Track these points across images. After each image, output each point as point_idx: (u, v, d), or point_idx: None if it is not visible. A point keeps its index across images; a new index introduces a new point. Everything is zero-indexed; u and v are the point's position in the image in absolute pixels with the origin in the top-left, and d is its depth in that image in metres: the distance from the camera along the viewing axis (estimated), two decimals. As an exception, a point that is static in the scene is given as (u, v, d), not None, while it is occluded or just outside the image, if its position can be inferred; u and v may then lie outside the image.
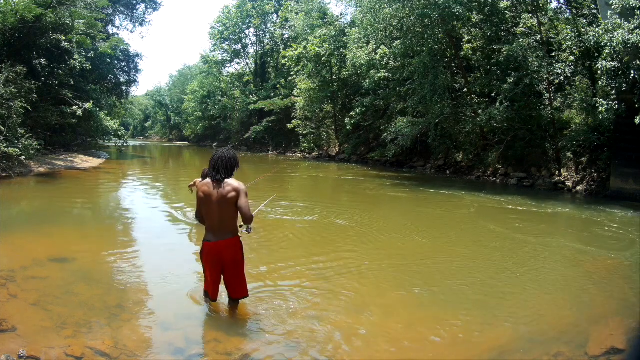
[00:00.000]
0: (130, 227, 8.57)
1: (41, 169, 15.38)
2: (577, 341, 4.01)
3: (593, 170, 15.16)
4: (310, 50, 28.64)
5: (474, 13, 17.81)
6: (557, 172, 16.22)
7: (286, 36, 40.60)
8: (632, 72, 11.79)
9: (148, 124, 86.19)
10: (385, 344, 3.80)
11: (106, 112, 26.14)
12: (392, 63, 22.26)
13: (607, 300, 5.22)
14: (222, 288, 4.09)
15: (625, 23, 11.64)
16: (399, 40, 19.87)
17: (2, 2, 17.21)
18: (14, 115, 14.02)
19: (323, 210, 10.29)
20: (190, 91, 55.36)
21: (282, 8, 40.57)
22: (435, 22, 17.72)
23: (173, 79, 72.73)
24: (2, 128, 13.43)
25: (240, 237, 4.00)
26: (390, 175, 19.56)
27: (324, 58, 28.55)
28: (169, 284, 4.94)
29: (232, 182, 3.79)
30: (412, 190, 14.55)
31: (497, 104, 16.48)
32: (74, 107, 18.82)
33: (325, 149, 31.75)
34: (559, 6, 19.17)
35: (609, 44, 11.96)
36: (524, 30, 16.75)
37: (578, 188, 15.16)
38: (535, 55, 15.96)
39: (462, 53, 19.21)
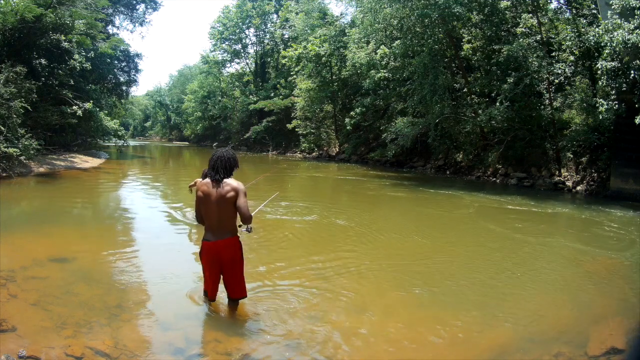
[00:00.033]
0: (130, 227, 8.57)
1: (41, 169, 15.38)
2: (577, 341, 4.00)
3: (593, 170, 15.16)
4: (310, 50, 28.64)
5: (474, 13, 17.81)
6: (557, 172, 16.22)
7: (286, 36, 40.60)
8: (632, 72, 11.79)
9: (148, 124, 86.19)
10: (385, 344, 3.80)
11: (106, 112, 26.13)
12: (392, 63, 22.26)
13: (607, 300, 5.22)
14: (222, 288, 4.09)
15: (625, 23, 11.64)
16: (399, 40, 19.87)
17: (2, 2, 17.20)
18: (14, 115, 14.01)
19: (323, 210, 10.29)
20: (190, 91, 55.36)
21: (282, 8, 40.57)
22: (435, 22, 17.72)
23: (173, 79, 72.76)
24: (2, 128, 13.43)
25: (240, 236, 4.00)
26: (390, 175, 19.56)
27: (324, 58, 28.55)
28: (169, 284, 4.94)
29: (231, 182, 3.79)
30: (412, 190, 14.55)
31: (497, 104, 16.48)
32: (74, 107, 18.81)
33: (325, 149, 31.75)
34: (559, 6, 19.20)
35: (609, 44, 11.96)
36: (524, 30, 16.75)
37: (578, 188, 15.16)
38: (535, 55, 15.97)
39: (462, 53, 19.21)
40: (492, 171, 18.26)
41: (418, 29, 18.62)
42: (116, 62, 28.70)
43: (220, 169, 3.79)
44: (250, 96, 40.94)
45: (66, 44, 18.60)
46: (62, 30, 18.41)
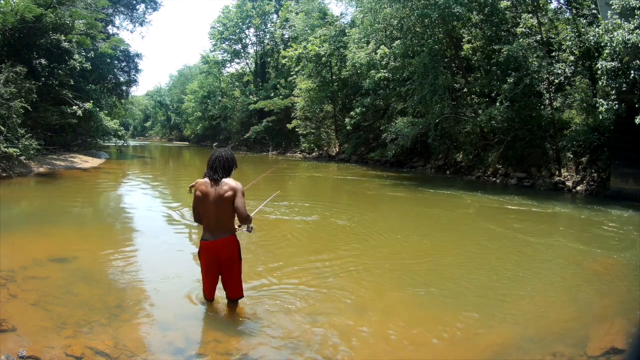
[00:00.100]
0: (130, 227, 8.58)
1: (41, 169, 15.38)
2: (577, 341, 4.00)
3: (593, 170, 15.16)
4: (310, 50, 28.64)
5: (474, 13, 17.81)
6: (557, 172, 16.22)
7: (286, 36, 40.61)
8: (632, 72, 11.79)
9: (148, 124, 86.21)
10: (385, 344, 3.80)
11: (106, 112, 26.14)
12: (392, 63, 22.26)
13: (607, 301, 5.21)
14: (221, 288, 4.09)
15: (625, 23, 11.64)
16: (399, 40, 19.87)
17: (2, 2, 17.21)
18: (14, 115, 14.01)
19: (323, 210, 10.28)
20: (190, 91, 55.37)
21: (282, 8, 40.59)
22: (435, 22, 17.72)
23: (173, 79, 72.80)
24: (2, 128, 13.43)
25: (239, 236, 4.00)
26: (390, 175, 19.56)
27: (324, 58, 28.55)
28: (168, 284, 4.94)
29: (229, 182, 3.79)
30: (412, 190, 14.55)
31: (497, 104, 16.48)
32: (74, 107, 18.82)
33: (325, 149, 31.76)
34: (559, 6, 19.20)
35: (609, 44, 11.96)
36: (524, 30, 16.75)
37: (578, 188, 15.16)
38: (535, 55, 15.97)
39: (462, 53, 19.21)
40: (492, 171, 18.26)
41: (418, 29, 18.62)
42: (116, 62, 28.72)
43: (218, 169, 3.80)
44: (250, 96, 40.95)
45: (66, 44, 18.60)
46: (62, 30, 18.41)
